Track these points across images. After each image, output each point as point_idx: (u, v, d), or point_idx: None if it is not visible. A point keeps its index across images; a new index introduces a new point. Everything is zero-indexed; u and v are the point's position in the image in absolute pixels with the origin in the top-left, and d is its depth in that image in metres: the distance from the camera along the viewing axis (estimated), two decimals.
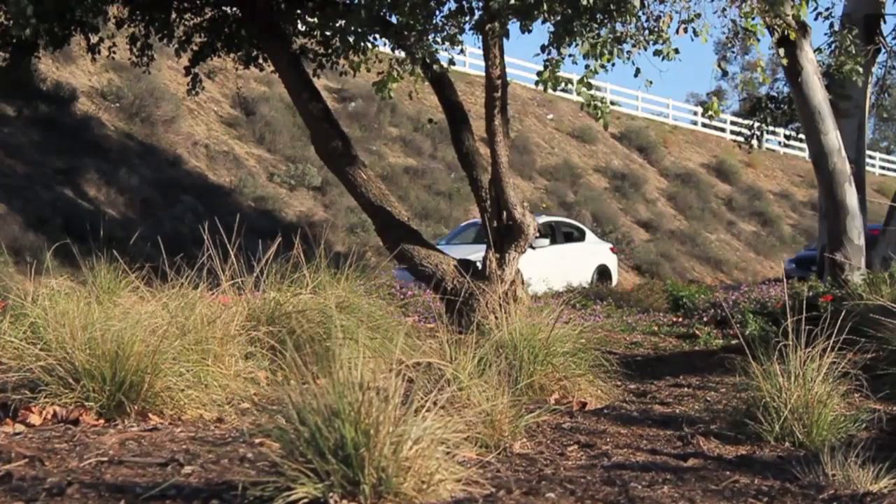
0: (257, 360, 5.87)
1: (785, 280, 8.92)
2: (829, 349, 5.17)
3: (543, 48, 8.84)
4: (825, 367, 5.14)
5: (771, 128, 15.71)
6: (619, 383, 7.22)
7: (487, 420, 4.54)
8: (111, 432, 4.34)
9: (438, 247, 18.23)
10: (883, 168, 51.10)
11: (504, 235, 10.59)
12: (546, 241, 19.19)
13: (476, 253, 18.08)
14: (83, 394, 4.88)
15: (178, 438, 4.33)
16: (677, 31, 8.61)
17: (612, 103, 41.80)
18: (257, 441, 3.93)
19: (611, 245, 22.27)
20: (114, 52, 12.49)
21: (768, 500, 3.76)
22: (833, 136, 12.96)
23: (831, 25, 13.80)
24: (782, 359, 5.19)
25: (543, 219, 20.34)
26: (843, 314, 5.68)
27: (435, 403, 3.35)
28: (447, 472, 3.24)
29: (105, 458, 3.78)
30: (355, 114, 31.32)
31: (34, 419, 4.71)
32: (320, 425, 3.12)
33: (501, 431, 4.59)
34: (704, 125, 44.25)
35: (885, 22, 14.03)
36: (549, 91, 8.97)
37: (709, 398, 6.65)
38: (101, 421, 4.75)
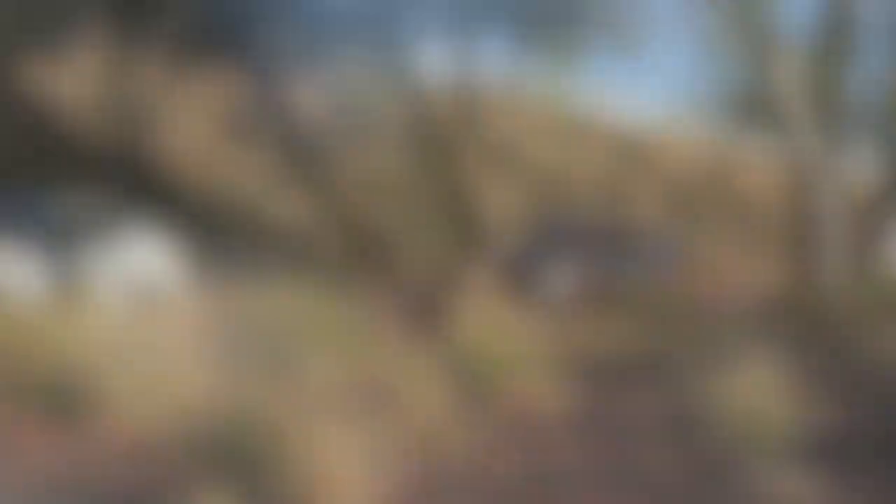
0: (220, 368, 5.84)
1: None
2: None
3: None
4: None
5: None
6: (587, 388, 7.17)
7: (424, 428, 4.50)
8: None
9: None
10: None
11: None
12: None
13: None
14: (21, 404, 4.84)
15: (108, 448, 4.28)
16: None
17: None
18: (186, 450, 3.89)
19: None
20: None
21: None
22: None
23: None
24: None
25: None
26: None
27: (355, 413, 3.32)
28: (357, 480, 3.20)
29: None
30: None
31: None
32: (225, 433, 3.08)
33: (440, 439, 4.54)
34: None
35: None
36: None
37: None
38: (37, 431, 4.70)
